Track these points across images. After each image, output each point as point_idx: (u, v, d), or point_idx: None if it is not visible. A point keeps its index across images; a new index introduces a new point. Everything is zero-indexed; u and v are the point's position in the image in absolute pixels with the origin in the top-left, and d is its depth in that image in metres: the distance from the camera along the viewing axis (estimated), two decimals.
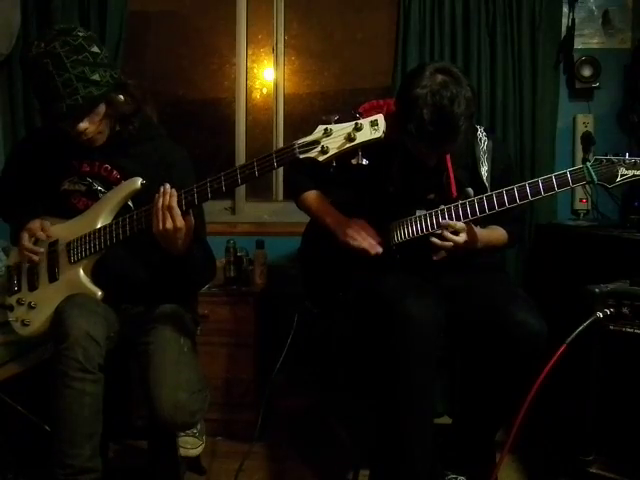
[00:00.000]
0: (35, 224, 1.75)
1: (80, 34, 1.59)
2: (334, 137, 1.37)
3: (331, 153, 1.38)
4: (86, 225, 1.69)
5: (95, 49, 1.60)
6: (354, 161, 1.44)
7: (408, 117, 1.65)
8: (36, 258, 1.74)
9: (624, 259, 1.83)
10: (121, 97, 1.68)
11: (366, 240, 1.78)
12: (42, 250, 1.74)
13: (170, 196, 1.52)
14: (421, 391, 1.65)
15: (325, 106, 2.98)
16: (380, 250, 1.78)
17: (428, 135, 1.64)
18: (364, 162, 1.46)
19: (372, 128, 1.36)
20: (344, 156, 1.40)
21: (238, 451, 2.20)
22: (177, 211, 1.52)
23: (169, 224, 1.52)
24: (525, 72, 2.61)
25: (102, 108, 1.64)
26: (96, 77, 1.58)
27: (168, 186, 1.54)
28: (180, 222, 1.52)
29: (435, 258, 1.76)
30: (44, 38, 1.57)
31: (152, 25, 3.07)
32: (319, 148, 1.38)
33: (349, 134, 1.36)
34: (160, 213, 1.52)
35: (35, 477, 1.93)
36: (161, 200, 1.53)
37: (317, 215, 1.92)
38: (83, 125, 1.63)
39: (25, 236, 1.74)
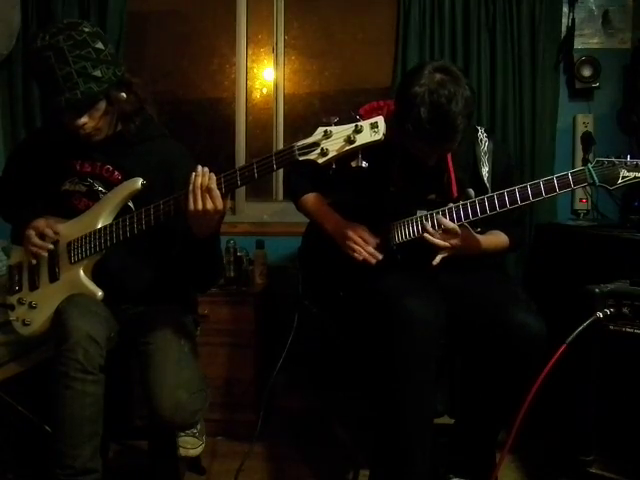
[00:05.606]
0: (40, 222, 1.74)
1: (86, 29, 1.59)
2: (334, 139, 1.37)
3: (331, 155, 1.37)
4: (86, 225, 1.69)
5: (99, 45, 1.60)
6: (354, 163, 1.44)
7: (406, 115, 1.65)
8: (45, 254, 1.73)
9: (624, 259, 1.83)
10: (123, 95, 1.67)
11: (365, 249, 1.78)
12: (51, 246, 1.73)
13: (209, 178, 1.50)
14: (421, 391, 1.65)
15: (325, 106, 2.97)
16: (380, 257, 1.78)
17: (426, 133, 1.64)
18: (364, 165, 1.45)
19: (372, 130, 1.35)
20: (344, 158, 1.40)
21: (238, 451, 2.21)
22: (217, 192, 1.49)
23: (209, 205, 1.49)
24: (525, 72, 2.61)
25: (102, 104, 1.64)
26: (97, 73, 1.58)
27: (206, 168, 1.52)
28: (220, 204, 1.49)
29: (433, 263, 1.75)
30: (49, 31, 1.57)
31: (152, 25, 3.07)
32: (319, 150, 1.37)
33: (349, 136, 1.36)
34: (199, 192, 1.49)
35: (35, 477, 1.93)
36: (199, 179, 1.50)
37: (316, 219, 1.92)
38: (82, 120, 1.62)
39: (32, 233, 1.73)
